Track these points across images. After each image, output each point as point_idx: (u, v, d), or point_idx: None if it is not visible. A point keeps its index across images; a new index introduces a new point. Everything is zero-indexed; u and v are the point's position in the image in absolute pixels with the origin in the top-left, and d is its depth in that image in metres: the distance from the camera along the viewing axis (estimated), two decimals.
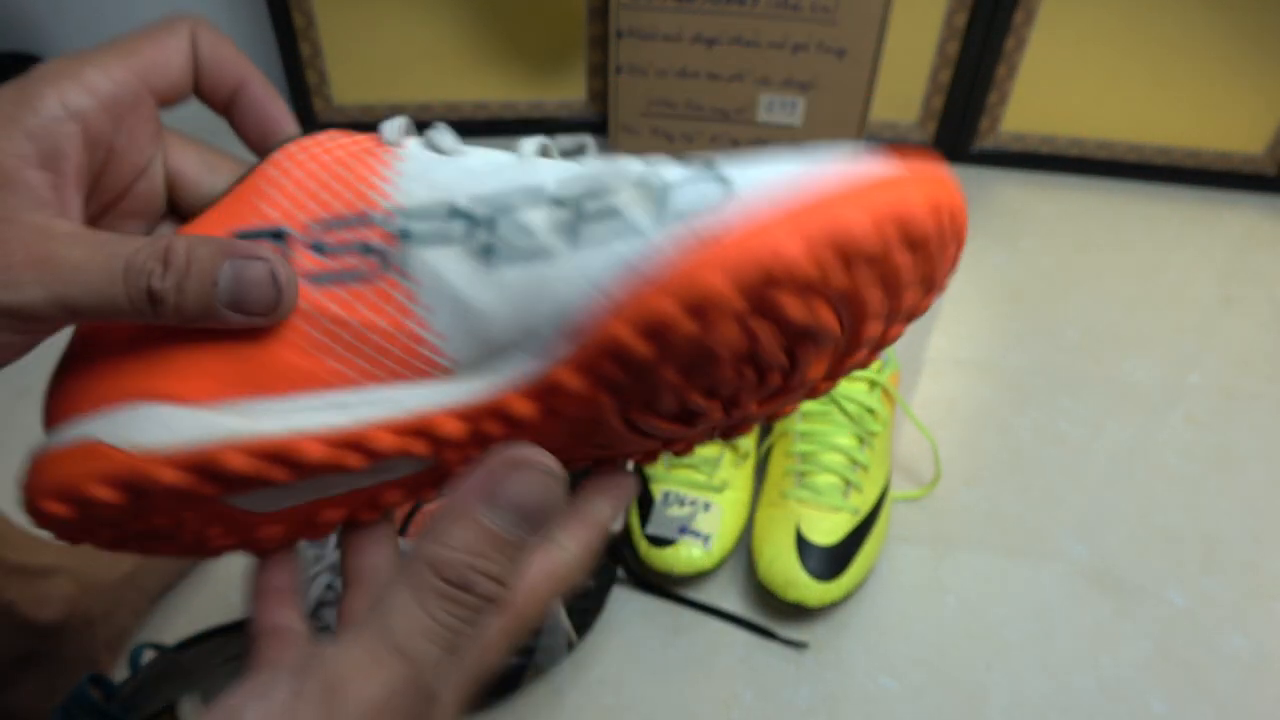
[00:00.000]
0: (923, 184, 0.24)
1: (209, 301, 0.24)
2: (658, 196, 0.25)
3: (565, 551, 0.29)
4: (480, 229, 0.26)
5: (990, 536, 0.71)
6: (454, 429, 0.27)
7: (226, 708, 0.22)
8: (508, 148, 0.29)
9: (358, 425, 0.26)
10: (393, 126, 0.29)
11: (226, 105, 0.30)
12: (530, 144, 0.29)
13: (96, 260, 0.23)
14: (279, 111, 0.30)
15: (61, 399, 0.29)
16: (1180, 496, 0.74)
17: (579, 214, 0.25)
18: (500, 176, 0.27)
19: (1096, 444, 0.78)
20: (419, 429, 0.27)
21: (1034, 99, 1.06)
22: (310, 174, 0.28)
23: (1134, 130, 1.07)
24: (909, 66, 1.05)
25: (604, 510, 0.30)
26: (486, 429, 0.27)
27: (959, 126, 1.08)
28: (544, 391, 0.26)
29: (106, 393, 0.27)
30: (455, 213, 0.26)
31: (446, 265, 0.26)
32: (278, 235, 0.27)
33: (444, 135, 0.29)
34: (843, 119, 1.05)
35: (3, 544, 0.55)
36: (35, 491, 0.28)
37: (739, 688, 0.62)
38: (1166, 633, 0.65)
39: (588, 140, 0.93)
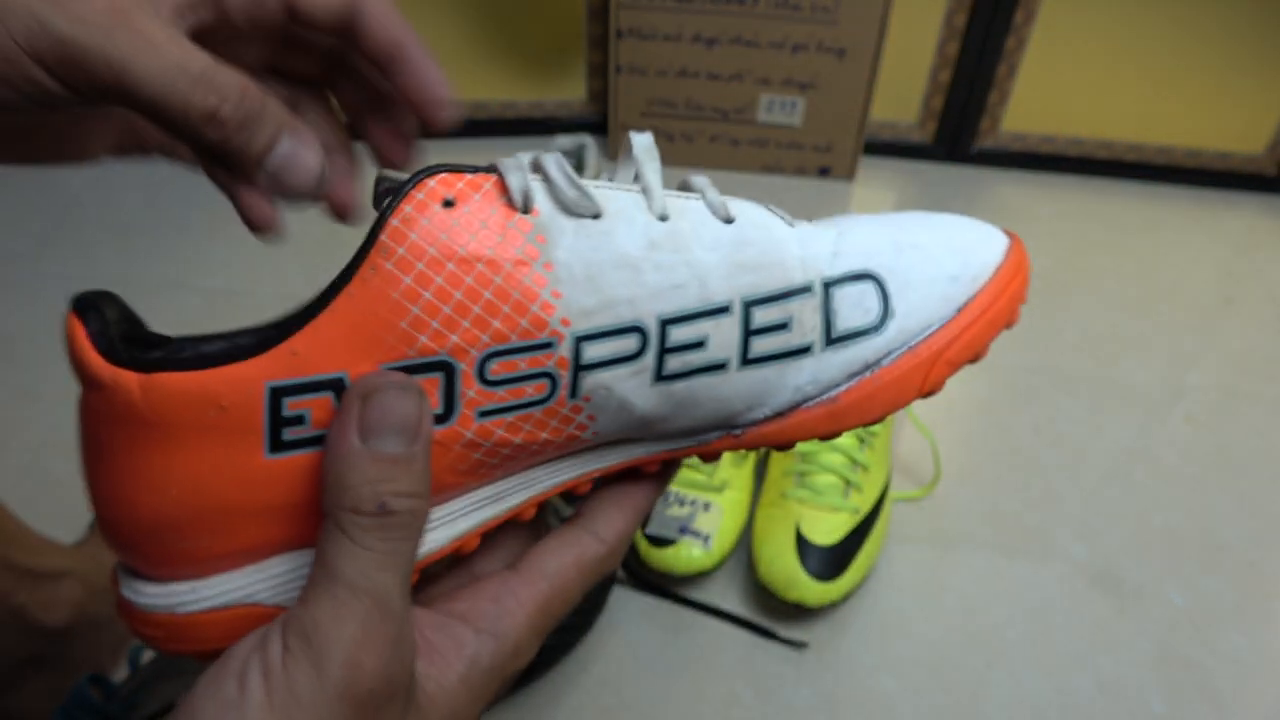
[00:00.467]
0: (1020, 282, 0.30)
1: (255, 158, 0.24)
2: (824, 314, 0.28)
3: (599, 541, 0.29)
4: (654, 349, 0.26)
5: (990, 536, 0.71)
6: (588, 487, 0.30)
7: (226, 676, 0.23)
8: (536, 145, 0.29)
9: (511, 510, 0.28)
10: (518, 177, 0.25)
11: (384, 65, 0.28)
12: (654, 177, 0.27)
13: (175, 52, 0.22)
14: (437, 82, 0.28)
15: (178, 548, 0.25)
16: (1180, 496, 0.74)
17: (749, 328, 0.27)
18: (658, 264, 0.26)
19: (1096, 444, 0.78)
20: (561, 492, 0.29)
21: (1034, 99, 1.06)
22: (460, 287, 0.24)
23: (1134, 130, 1.07)
24: (909, 66, 1.05)
25: (641, 498, 0.31)
26: (614, 473, 0.30)
27: (959, 126, 1.08)
28: (672, 460, 0.30)
29: (249, 543, 0.25)
30: (628, 330, 0.26)
31: (618, 383, 0.26)
32: (448, 372, 0.25)
33: (565, 180, 0.26)
34: (843, 119, 1.05)
35: (13, 547, 0.55)
36: (178, 646, 0.26)
37: (739, 688, 0.62)
38: (1166, 633, 0.65)
39: (587, 140, 0.95)
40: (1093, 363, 0.86)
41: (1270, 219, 1.05)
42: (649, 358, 0.26)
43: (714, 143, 1.09)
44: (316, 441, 0.24)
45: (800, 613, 0.65)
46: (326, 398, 0.24)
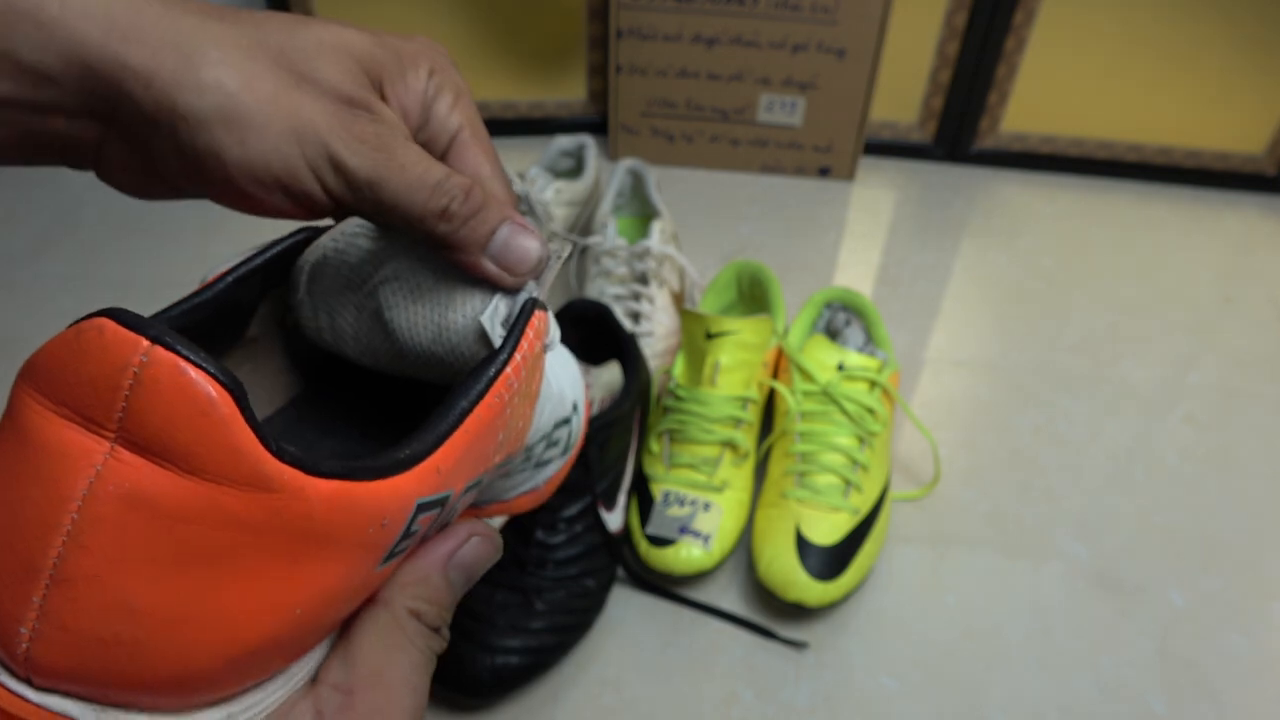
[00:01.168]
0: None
1: (479, 243, 0.28)
2: (568, 434, 0.36)
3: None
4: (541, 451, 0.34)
5: (990, 536, 0.71)
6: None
7: None
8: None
9: None
10: (555, 322, 0.31)
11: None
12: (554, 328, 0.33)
13: (419, 168, 0.27)
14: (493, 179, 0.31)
15: (249, 672, 0.22)
16: (1180, 496, 0.74)
17: (549, 440, 0.34)
18: (560, 392, 0.33)
19: (1096, 444, 0.78)
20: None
21: (1034, 99, 1.06)
22: (521, 418, 0.29)
23: (1134, 130, 1.07)
24: (909, 66, 1.05)
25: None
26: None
27: (959, 126, 1.08)
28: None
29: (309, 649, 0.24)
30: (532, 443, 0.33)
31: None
32: (480, 486, 0.28)
33: (554, 327, 0.31)
34: (843, 119, 1.05)
35: None
36: None
37: (739, 688, 0.62)
38: (1166, 633, 0.65)
39: (587, 140, 0.96)
40: (1093, 363, 0.86)
41: (1270, 219, 1.05)
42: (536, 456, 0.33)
43: (714, 143, 1.09)
44: (403, 548, 0.25)
45: (800, 613, 0.65)
46: (435, 513, 0.25)
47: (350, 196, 0.27)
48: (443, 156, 0.30)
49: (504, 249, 0.28)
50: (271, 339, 0.30)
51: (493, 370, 0.26)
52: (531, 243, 0.28)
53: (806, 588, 0.62)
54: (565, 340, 0.69)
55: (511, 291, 0.28)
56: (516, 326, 0.27)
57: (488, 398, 0.25)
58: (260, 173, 0.26)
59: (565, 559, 0.62)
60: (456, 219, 0.27)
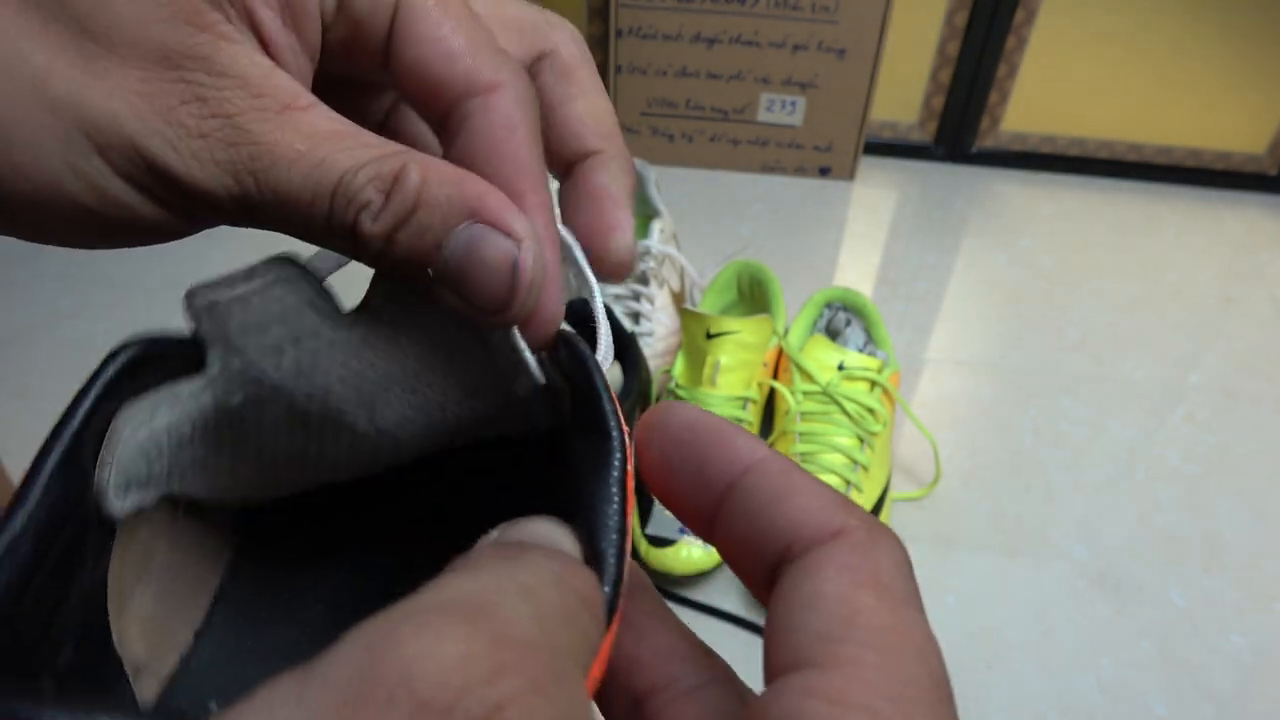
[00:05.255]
0: None
1: (425, 262, 0.17)
2: None
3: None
4: None
5: (990, 536, 0.71)
6: None
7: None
8: None
9: None
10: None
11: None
12: None
13: (305, 163, 0.17)
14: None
15: None
16: (1180, 496, 0.74)
17: None
18: None
19: (1096, 444, 0.78)
20: None
21: (1034, 98, 1.06)
22: None
23: (1135, 130, 1.07)
24: (909, 66, 1.05)
25: None
26: None
27: (959, 126, 1.08)
28: None
29: None
30: None
31: None
32: None
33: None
34: (843, 118, 1.05)
35: None
36: None
37: None
38: (1166, 633, 0.65)
39: None
40: (1093, 363, 0.86)
41: (1271, 219, 1.05)
42: None
43: (714, 142, 1.09)
44: None
45: None
46: None
47: (211, 208, 0.18)
48: (387, 40, 0.18)
49: (460, 275, 0.17)
50: (161, 515, 0.20)
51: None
52: (501, 253, 0.16)
53: None
54: None
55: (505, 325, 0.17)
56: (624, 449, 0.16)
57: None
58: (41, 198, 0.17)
59: None
60: (374, 244, 0.17)
